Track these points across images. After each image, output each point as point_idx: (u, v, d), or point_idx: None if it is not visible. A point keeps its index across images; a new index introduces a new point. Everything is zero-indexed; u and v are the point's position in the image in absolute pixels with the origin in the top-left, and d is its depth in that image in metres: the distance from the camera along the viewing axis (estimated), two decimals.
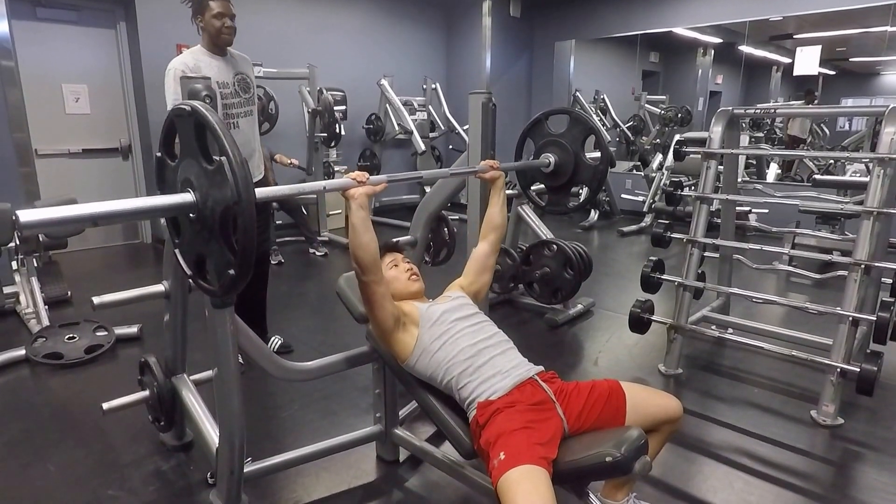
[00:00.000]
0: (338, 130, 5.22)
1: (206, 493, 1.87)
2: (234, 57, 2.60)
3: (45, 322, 3.20)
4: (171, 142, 1.27)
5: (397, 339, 1.66)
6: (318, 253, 5.17)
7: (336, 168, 5.90)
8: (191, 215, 1.19)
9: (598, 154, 2.16)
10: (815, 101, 6.49)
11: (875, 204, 2.32)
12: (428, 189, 2.74)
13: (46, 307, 3.32)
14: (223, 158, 1.10)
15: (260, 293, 2.87)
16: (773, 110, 3.62)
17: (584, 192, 2.27)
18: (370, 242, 1.55)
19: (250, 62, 2.70)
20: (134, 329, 3.18)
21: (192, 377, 2.09)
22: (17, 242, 3.32)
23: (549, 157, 2.13)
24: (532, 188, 2.43)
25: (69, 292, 3.77)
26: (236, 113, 2.56)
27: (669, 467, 2.09)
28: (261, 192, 1.25)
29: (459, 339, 1.63)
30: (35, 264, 3.46)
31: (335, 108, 5.11)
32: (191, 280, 1.31)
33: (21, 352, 2.88)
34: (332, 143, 5.40)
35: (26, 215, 1.01)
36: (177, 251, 1.31)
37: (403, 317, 1.67)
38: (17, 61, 4.06)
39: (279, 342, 2.96)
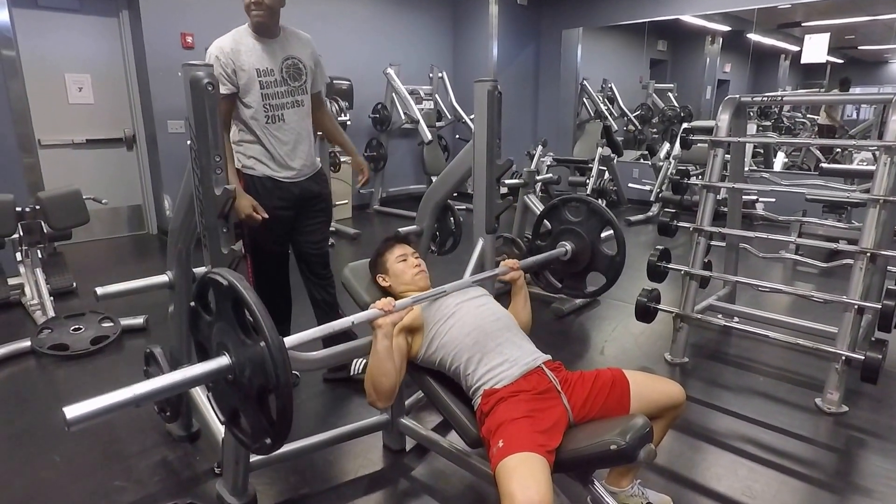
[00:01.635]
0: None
1: (213, 482, 1.88)
2: (288, 38, 2.28)
3: (51, 313, 3.21)
4: (206, 297, 1.25)
5: (410, 348, 1.69)
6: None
7: (342, 159, 5.88)
8: (228, 377, 1.18)
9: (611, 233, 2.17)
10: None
11: (881, 192, 2.31)
12: (434, 178, 2.72)
13: (52, 298, 3.33)
14: (262, 344, 1.08)
15: (330, 295, 2.61)
16: (780, 98, 3.58)
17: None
18: (392, 371, 1.52)
19: (309, 42, 2.35)
20: (140, 320, 3.19)
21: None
22: (22, 233, 3.32)
23: (566, 246, 2.15)
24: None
25: (74, 283, 3.77)
26: (282, 104, 2.25)
27: (674, 455, 2.10)
28: (289, 340, 1.23)
29: (466, 321, 1.63)
30: (40, 255, 3.46)
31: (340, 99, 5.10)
32: (224, 425, 1.29)
33: (27, 343, 2.89)
34: None
35: (73, 412, 0.98)
36: (209, 396, 1.30)
37: (410, 336, 1.68)
38: (19, 51, 4.04)
39: (362, 363, 2.54)
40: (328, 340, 2.33)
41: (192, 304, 1.28)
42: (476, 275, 1.96)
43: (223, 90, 2.07)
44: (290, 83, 2.26)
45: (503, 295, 1.90)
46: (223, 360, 1.17)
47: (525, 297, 1.91)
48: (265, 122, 2.24)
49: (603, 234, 2.14)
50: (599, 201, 6.34)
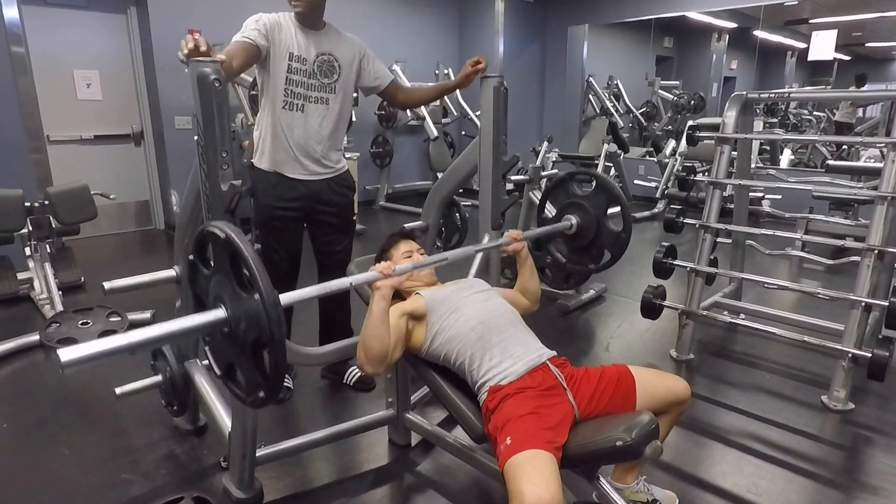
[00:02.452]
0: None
1: (219, 476, 1.90)
2: (330, 35, 2.21)
3: (59, 307, 3.23)
4: (205, 251, 1.26)
5: (411, 337, 1.68)
6: None
7: (348, 155, 5.88)
8: (223, 329, 1.19)
9: (619, 217, 2.15)
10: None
11: (889, 189, 2.30)
12: (440, 175, 2.71)
13: (60, 293, 3.34)
14: (257, 297, 1.09)
15: (343, 312, 2.52)
16: (787, 95, 3.57)
17: (606, 255, 2.23)
18: (385, 335, 1.53)
19: (354, 44, 2.27)
20: (147, 314, 3.21)
21: (204, 362, 2.11)
22: (31, 228, 3.34)
23: (572, 220, 2.12)
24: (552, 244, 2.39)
25: (82, 278, 3.80)
26: (305, 95, 2.16)
27: (680, 451, 2.10)
28: (286, 297, 1.24)
29: (471, 314, 1.63)
30: (48, 250, 3.46)
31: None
32: (220, 380, 1.30)
33: (35, 337, 2.90)
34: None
35: (66, 355, 0.98)
36: (207, 349, 1.31)
37: (412, 322, 1.68)
38: (28, 47, 4.06)
39: (356, 374, 2.51)
40: (324, 338, 2.32)
41: (191, 257, 1.29)
42: (479, 244, 1.96)
43: (248, 35, 2.01)
44: (320, 78, 2.17)
45: (508, 265, 1.89)
46: (219, 313, 1.18)
47: (531, 267, 1.91)
48: (282, 107, 2.15)
49: (609, 211, 2.12)
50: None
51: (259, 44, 2.03)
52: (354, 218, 2.75)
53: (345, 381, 2.50)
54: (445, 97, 6.77)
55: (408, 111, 6.26)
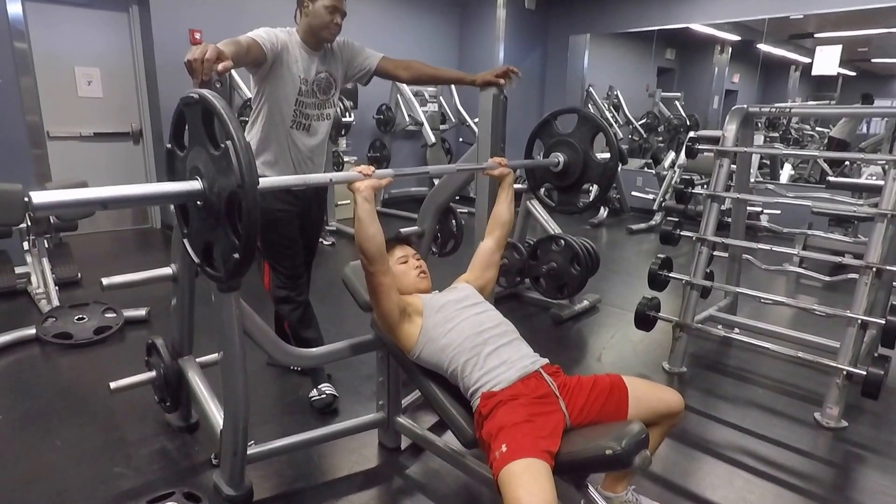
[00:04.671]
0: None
1: (210, 473, 1.90)
2: (326, 54, 2.24)
3: (56, 302, 3.24)
4: (181, 132, 1.28)
5: (402, 330, 1.67)
6: (325, 242, 5.18)
7: (346, 159, 5.90)
8: (198, 203, 1.20)
9: (607, 154, 2.14)
10: None
11: (890, 206, 2.30)
12: (436, 181, 2.72)
13: (57, 288, 3.36)
14: (228, 143, 1.11)
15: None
16: (788, 109, 3.58)
17: (594, 189, 2.24)
18: (376, 234, 1.57)
19: (337, 53, 2.28)
20: (142, 312, 3.21)
21: (198, 360, 2.12)
22: (29, 224, 3.36)
23: (559, 157, 2.11)
24: (542, 188, 2.40)
25: (79, 274, 3.81)
26: (311, 115, 2.23)
27: (670, 463, 2.10)
28: (265, 181, 1.26)
29: (464, 327, 1.63)
30: (46, 245, 3.50)
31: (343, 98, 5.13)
32: (199, 268, 1.32)
33: (31, 331, 2.91)
34: (342, 133, 5.40)
35: (39, 197, 1.01)
36: (185, 241, 1.32)
37: (408, 307, 1.68)
38: (30, 44, 4.08)
39: (323, 399, 2.36)
40: (299, 342, 2.30)
41: (168, 145, 1.30)
42: (464, 163, 1.96)
43: (262, 42, 1.99)
44: (319, 96, 2.24)
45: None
46: (195, 184, 1.19)
47: (510, 195, 1.94)
48: (290, 126, 2.19)
49: (598, 157, 2.10)
50: (602, 210, 6.41)
51: (267, 53, 2.04)
52: None
53: (309, 398, 2.40)
54: (444, 103, 6.80)
55: (406, 116, 6.29)
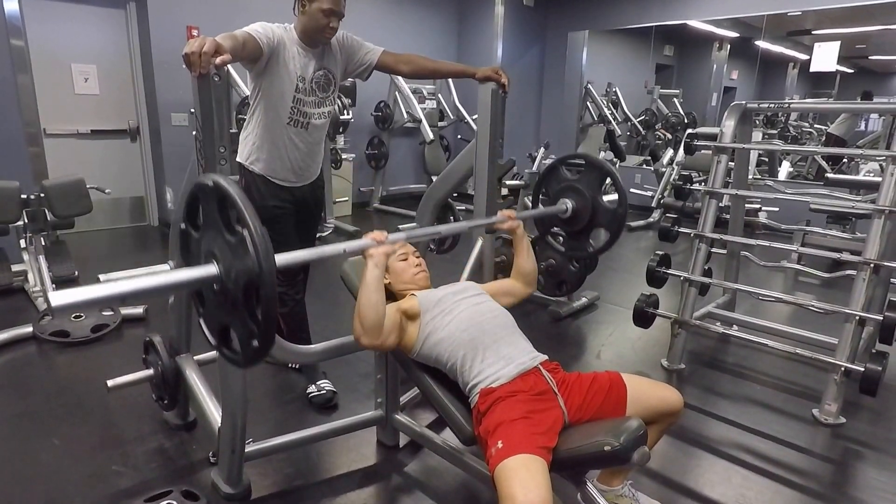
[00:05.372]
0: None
1: (208, 471, 1.90)
2: (323, 51, 2.21)
3: None
4: (195, 213, 1.25)
5: (404, 335, 1.67)
6: (323, 234, 5.19)
7: (344, 156, 5.89)
8: (214, 287, 1.19)
9: (615, 197, 2.13)
10: None
11: (887, 203, 2.30)
12: (435, 178, 2.71)
13: (54, 286, 3.34)
14: (244, 231, 1.10)
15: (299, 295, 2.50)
16: (786, 105, 3.59)
17: (603, 234, 2.22)
18: (379, 303, 1.54)
19: (336, 50, 2.25)
20: (140, 309, 3.20)
21: (196, 357, 2.11)
22: (26, 221, 3.34)
23: (566, 203, 2.09)
24: (550, 233, 2.38)
25: (76, 272, 3.79)
26: (309, 112, 2.21)
27: (668, 460, 2.10)
28: (281, 258, 1.25)
29: (463, 318, 1.63)
30: (43, 243, 3.47)
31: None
32: (215, 349, 1.31)
33: (28, 329, 2.90)
34: (340, 130, 5.39)
35: (57, 299, 0.99)
36: (201, 320, 1.31)
37: (406, 320, 1.67)
38: (27, 40, 4.06)
39: (322, 394, 2.38)
40: (291, 341, 2.30)
41: (182, 226, 1.29)
42: (472, 220, 1.94)
43: (259, 37, 1.97)
44: (319, 93, 2.23)
45: (501, 275, 1.89)
46: (211, 268, 1.18)
47: (528, 246, 1.90)
48: (286, 123, 2.18)
49: (606, 199, 2.10)
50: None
51: (263, 48, 2.02)
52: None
53: (307, 394, 2.41)
54: (442, 100, 6.78)
55: (404, 113, 6.27)
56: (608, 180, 2.12)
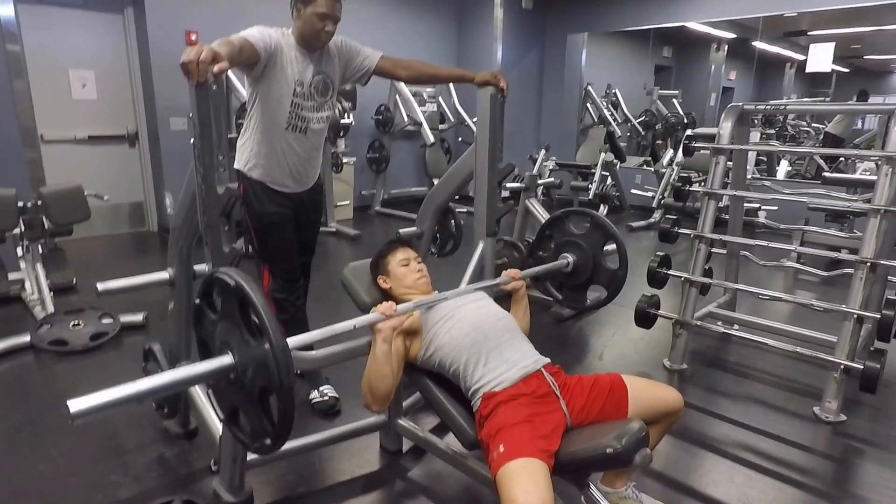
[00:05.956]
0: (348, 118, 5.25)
1: (209, 480, 1.88)
2: (322, 55, 2.21)
3: (50, 309, 3.20)
4: (212, 296, 1.25)
5: (409, 352, 1.68)
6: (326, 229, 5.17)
7: (345, 160, 5.88)
8: (230, 375, 1.18)
9: (614, 247, 2.16)
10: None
11: (882, 202, 2.31)
12: (436, 181, 2.71)
13: (51, 294, 3.32)
14: (266, 346, 1.09)
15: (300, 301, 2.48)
16: (783, 107, 3.60)
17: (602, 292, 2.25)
18: (389, 376, 1.53)
19: (334, 55, 2.24)
20: (139, 317, 3.19)
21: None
22: (23, 228, 3.32)
23: (568, 258, 2.14)
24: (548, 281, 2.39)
25: (74, 279, 3.78)
26: (308, 117, 2.20)
27: (671, 460, 2.10)
28: (293, 341, 1.24)
29: (465, 322, 1.63)
30: (40, 251, 3.43)
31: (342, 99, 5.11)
32: (224, 425, 1.30)
33: (26, 338, 2.88)
34: (341, 134, 5.39)
35: (76, 405, 1.00)
36: (210, 391, 1.31)
37: (409, 339, 1.67)
38: (23, 46, 4.05)
39: (326, 401, 2.39)
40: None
41: (198, 301, 1.28)
42: (477, 283, 1.96)
43: (255, 42, 1.96)
44: (318, 98, 2.21)
45: (502, 299, 1.90)
46: (226, 359, 1.17)
47: (525, 307, 1.92)
48: (284, 128, 2.16)
49: (606, 248, 2.13)
50: (602, 208, 6.43)
51: (260, 53, 2.01)
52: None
53: (310, 400, 2.39)
54: (443, 103, 6.79)
55: (405, 116, 6.27)
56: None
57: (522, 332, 1.76)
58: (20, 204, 3.21)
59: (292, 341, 1.22)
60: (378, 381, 1.52)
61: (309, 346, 2.27)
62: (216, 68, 1.44)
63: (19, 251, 3.51)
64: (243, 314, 1.15)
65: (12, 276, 3.54)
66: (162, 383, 1.12)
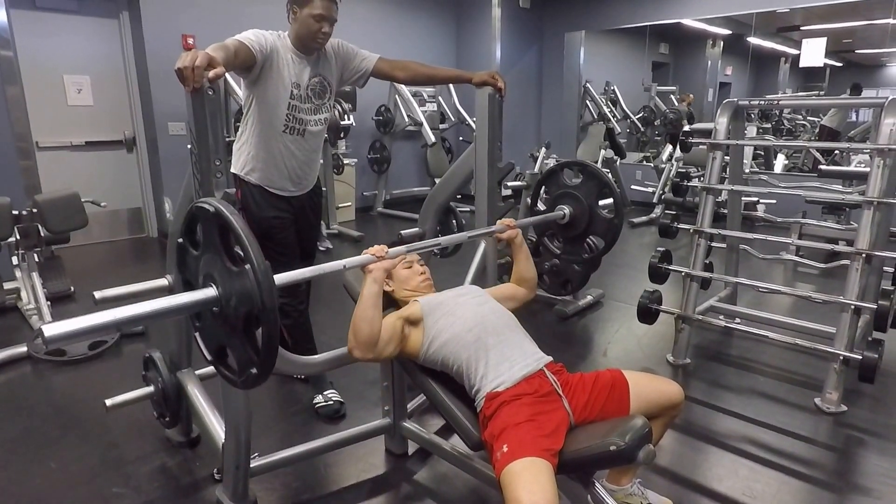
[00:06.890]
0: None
1: (213, 489, 1.87)
2: (318, 57, 2.20)
3: (48, 318, 3.17)
4: (194, 230, 1.24)
5: (408, 342, 1.66)
6: (321, 248, 5.15)
7: (345, 161, 5.87)
8: (213, 309, 1.17)
9: (610, 201, 2.15)
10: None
11: (875, 194, 2.32)
12: (437, 181, 2.71)
13: (49, 303, 3.27)
14: (248, 267, 1.08)
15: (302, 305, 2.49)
16: (777, 101, 3.61)
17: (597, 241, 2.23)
18: (375, 319, 1.54)
19: (331, 57, 2.23)
20: (139, 325, 3.17)
21: (197, 372, 2.08)
22: (18, 237, 3.27)
23: (564, 210, 2.14)
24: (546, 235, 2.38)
25: (72, 287, 3.73)
26: (305, 119, 2.19)
27: (676, 455, 2.10)
28: (280, 278, 1.23)
29: (467, 318, 1.63)
30: (36, 259, 3.40)
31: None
32: (211, 364, 1.29)
33: (23, 349, 2.86)
34: (342, 135, 5.38)
35: (50, 330, 0.97)
36: (197, 335, 1.30)
37: (408, 327, 1.66)
38: (17, 52, 4.02)
39: (329, 404, 2.37)
40: (295, 352, 2.29)
41: (180, 240, 1.27)
42: (474, 230, 1.95)
43: (251, 45, 1.95)
44: (315, 100, 2.21)
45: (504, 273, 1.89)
46: (210, 291, 1.17)
47: (527, 253, 1.93)
48: (281, 131, 2.15)
49: (602, 202, 2.12)
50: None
51: (256, 55, 2.00)
52: None
53: (314, 405, 2.39)
54: (443, 103, 6.78)
55: (405, 116, 6.26)
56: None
57: (528, 285, 1.83)
58: (15, 212, 3.17)
59: (278, 277, 1.21)
60: (362, 321, 1.53)
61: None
62: (212, 74, 1.43)
63: (15, 260, 3.49)
64: (224, 242, 1.14)
65: (8, 285, 3.50)
66: (143, 311, 1.10)
